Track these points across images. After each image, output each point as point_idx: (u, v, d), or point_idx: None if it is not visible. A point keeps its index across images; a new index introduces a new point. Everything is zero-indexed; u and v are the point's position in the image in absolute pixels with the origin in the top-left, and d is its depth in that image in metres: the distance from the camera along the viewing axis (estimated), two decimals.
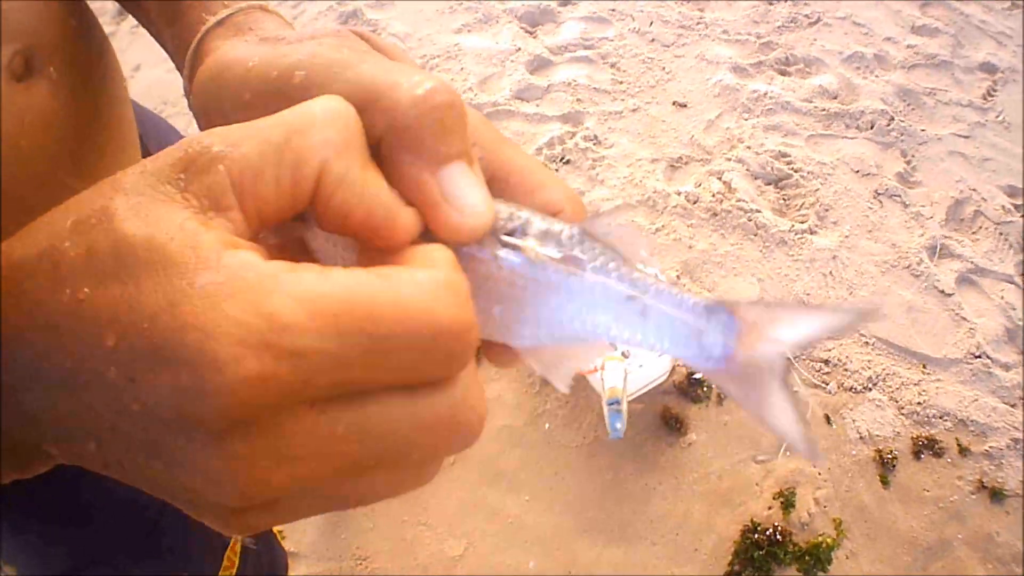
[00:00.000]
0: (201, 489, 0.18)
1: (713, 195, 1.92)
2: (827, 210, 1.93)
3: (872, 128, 2.08)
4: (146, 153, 0.53)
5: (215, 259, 0.18)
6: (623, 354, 1.43)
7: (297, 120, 0.21)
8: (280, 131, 0.21)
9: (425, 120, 0.22)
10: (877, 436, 1.61)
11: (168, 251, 0.18)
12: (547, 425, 1.62)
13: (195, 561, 0.59)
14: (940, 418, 1.64)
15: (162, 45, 0.36)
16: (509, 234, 0.24)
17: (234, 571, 0.57)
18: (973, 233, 1.92)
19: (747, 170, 1.98)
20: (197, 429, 0.18)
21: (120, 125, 0.46)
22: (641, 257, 0.24)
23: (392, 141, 0.23)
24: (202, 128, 0.27)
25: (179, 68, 0.34)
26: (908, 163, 2.04)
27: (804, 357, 1.70)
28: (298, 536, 1.52)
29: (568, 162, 2.00)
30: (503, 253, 0.23)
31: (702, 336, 0.24)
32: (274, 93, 0.24)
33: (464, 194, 0.23)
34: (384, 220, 0.22)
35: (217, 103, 0.26)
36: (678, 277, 1.80)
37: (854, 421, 1.63)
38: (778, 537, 1.48)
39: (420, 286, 0.19)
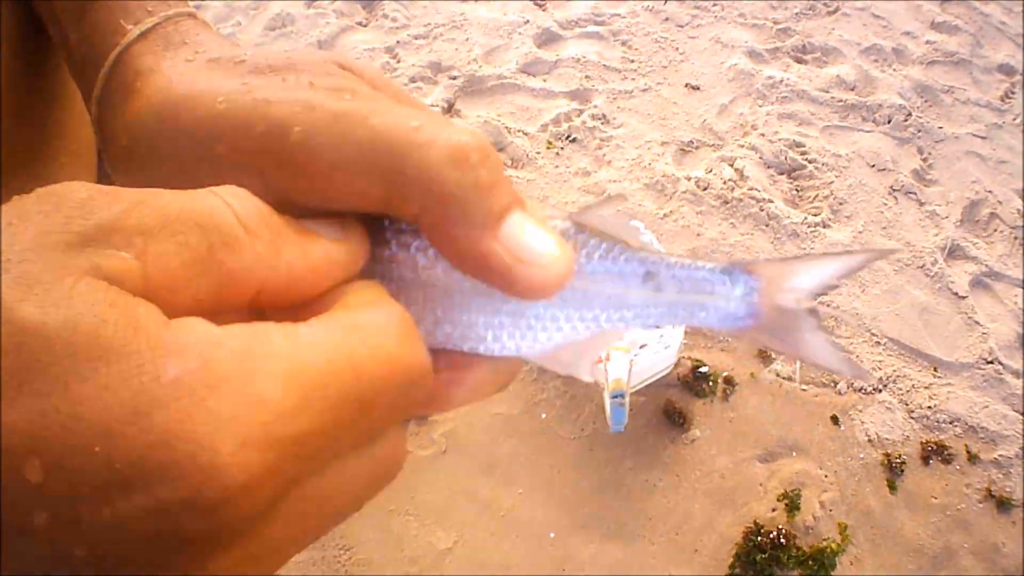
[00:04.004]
0: None
1: (724, 182, 1.85)
2: (841, 204, 1.86)
3: (889, 122, 2.02)
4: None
5: (172, 338, 0.15)
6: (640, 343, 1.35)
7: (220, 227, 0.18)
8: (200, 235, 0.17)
9: (467, 180, 0.20)
10: (886, 439, 1.56)
11: (105, 338, 0.14)
12: (543, 415, 1.54)
13: None
14: (950, 423, 1.59)
15: (64, 48, 0.29)
16: None
17: None
18: (988, 236, 1.87)
19: (760, 158, 1.91)
20: (177, 559, 0.15)
21: (76, 122, 0.39)
22: (641, 242, 0.24)
23: (438, 213, 0.20)
24: (129, 171, 0.23)
25: (80, 81, 0.27)
26: (924, 160, 1.98)
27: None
28: None
29: (574, 140, 1.91)
30: None
31: (724, 300, 0.24)
32: (261, 151, 0.21)
33: (535, 245, 0.21)
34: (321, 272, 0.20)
35: (172, 150, 0.22)
36: None
37: (863, 423, 1.57)
38: (781, 540, 1.42)
39: (385, 332, 0.18)
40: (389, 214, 0.22)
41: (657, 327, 0.24)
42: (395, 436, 0.20)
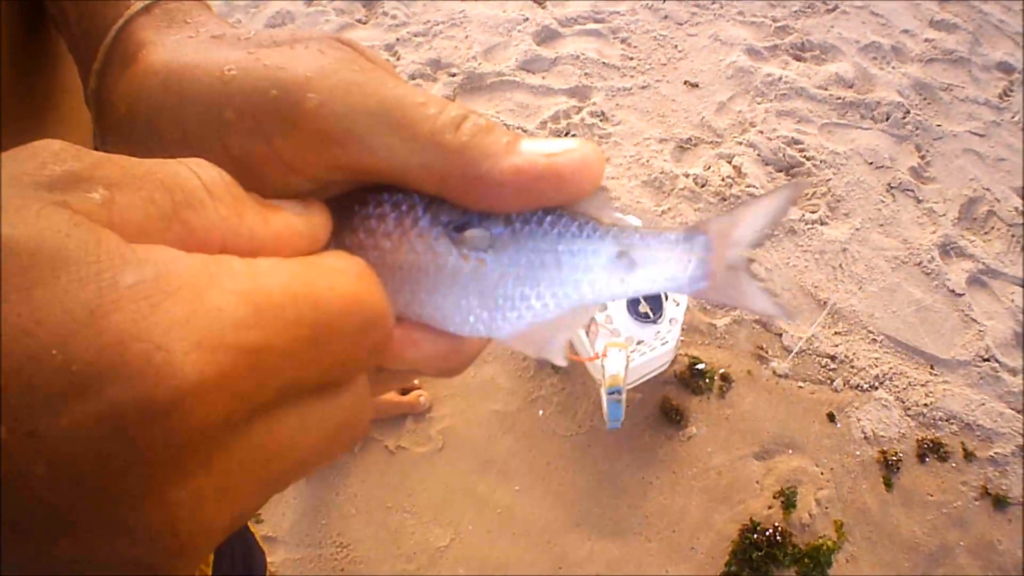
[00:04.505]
0: (126, 550, 0.15)
1: (722, 179, 1.85)
2: (839, 201, 1.86)
3: (887, 120, 2.01)
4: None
5: (131, 252, 0.15)
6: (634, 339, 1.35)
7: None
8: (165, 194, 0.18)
9: (476, 129, 0.21)
10: (882, 437, 1.56)
11: (68, 250, 0.14)
12: (541, 412, 1.55)
13: None
14: (946, 421, 1.59)
15: (63, 24, 0.29)
16: (460, 228, 0.23)
17: (210, 571, 0.49)
18: (985, 233, 1.87)
19: (758, 155, 1.91)
20: (136, 480, 0.14)
21: (68, 91, 0.38)
22: (611, 216, 0.24)
23: (460, 164, 0.21)
24: (128, 140, 0.23)
25: (78, 55, 0.27)
26: (922, 158, 1.98)
27: (811, 353, 1.64)
28: (276, 520, 1.43)
29: (574, 137, 1.91)
30: (466, 250, 0.23)
31: (687, 265, 0.25)
32: (273, 117, 0.21)
33: (555, 145, 0.21)
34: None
35: (175, 117, 0.22)
36: None
37: (859, 420, 1.58)
38: (778, 538, 1.42)
39: (345, 272, 0.19)
40: (395, 183, 0.22)
41: (627, 298, 0.25)
42: (361, 386, 0.20)
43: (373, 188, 0.23)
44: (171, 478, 0.15)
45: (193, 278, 0.16)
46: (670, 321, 1.38)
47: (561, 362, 0.24)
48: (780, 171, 1.91)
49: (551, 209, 0.23)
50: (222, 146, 0.21)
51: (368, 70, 0.22)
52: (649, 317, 1.37)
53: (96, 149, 0.24)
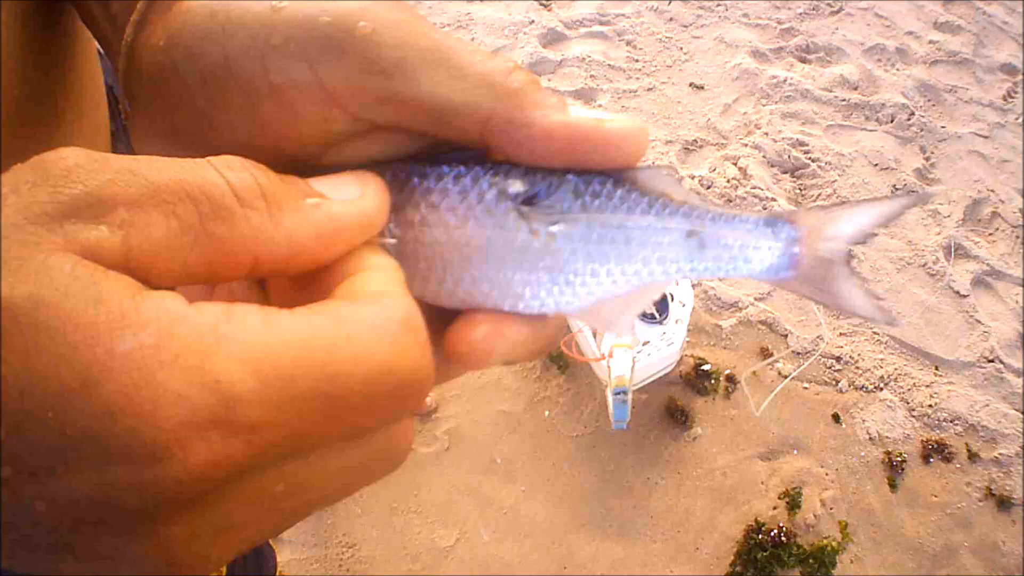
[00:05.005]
0: (126, 573, 0.15)
1: (728, 181, 1.85)
2: (844, 202, 1.87)
3: (892, 122, 2.02)
4: (113, 109, 0.44)
5: (132, 313, 0.15)
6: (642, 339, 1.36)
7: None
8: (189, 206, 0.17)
9: (529, 80, 0.21)
10: (887, 438, 1.57)
11: (65, 311, 0.14)
12: (547, 412, 1.55)
13: None
14: (951, 422, 1.59)
15: None
16: (528, 202, 0.22)
17: (223, 570, 0.50)
18: (990, 235, 1.87)
19: (763, 157, 1.91)
20: (126, 524, 0.15)
21: (85, 68, 0.38)
22: (682, 194, 0.24)
23: (512, 104, 0.21)
24: (160, 75, 0.22)
25: (107, 24, 0.27)
26: (927, 159, 1.98)
27: (816, 354, 1.65)
28: None
29: None
30: (535, 224, 0.22)
31: (767, 253, 0.24)
32: (322, 43, 0.20)
33: (603, 114, 0.21)
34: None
35: (219, 42, 0.21)
36: None
37: (864, 421, 1.58)
38: (782, 538, 1.43)
39: (379, 332, 0.17)
40: (435, 124, 0.21)
41: (699, 279, 0.26)
42: (395, 429, 0.19)
43: (428, 160, 0.23)
44: (166, 522, 0.15)
45: (196, 342, 0.15)
46: (676, 322, 1.39)
47: (627, 337, 0.24)
48: (785, 173, 1.91)
49: (620, 183, 0.23)
50: (264, 72, 0.20)
51: (420, 16, 0.22)
52: (655, 318, 1.38)
53: (118, 131, 0.24)
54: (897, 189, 1.91)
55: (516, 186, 0.22)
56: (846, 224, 0.25)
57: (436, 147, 0.23)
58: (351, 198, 0.20)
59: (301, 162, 0.22)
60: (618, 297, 0.24)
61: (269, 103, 0.20)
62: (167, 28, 0.22)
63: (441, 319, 0.22)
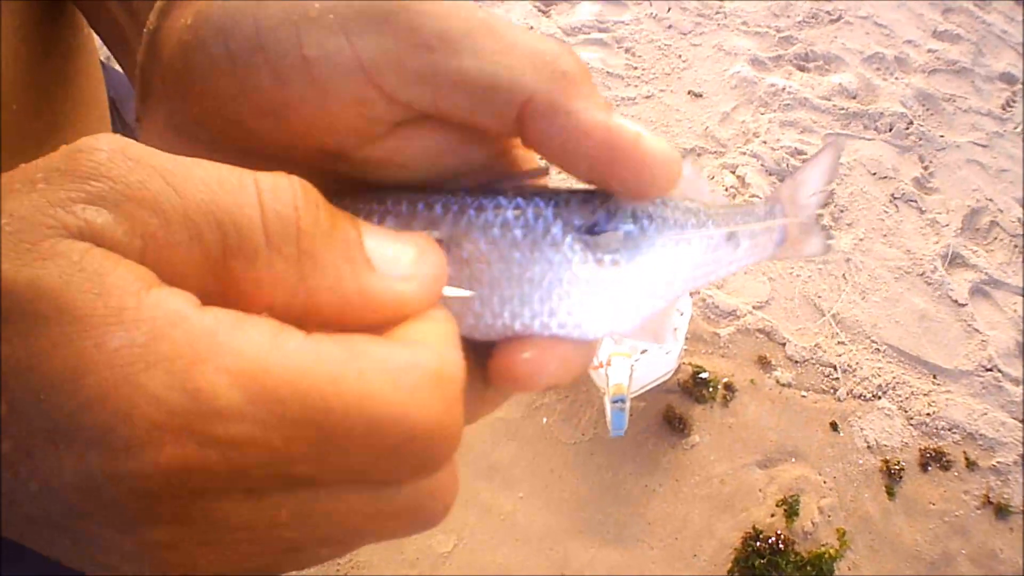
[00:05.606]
0: (118, 565, 0.16)
1: (726, 189, 1.86)
2: (842, 211, 1.87)
3: (891, 131, 2.03)
4: (115, 121, 0.44)
5: (132, 308, 0.15)
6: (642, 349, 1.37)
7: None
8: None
9: (580, 67, 0.20)
10: (885, 446, 1.57)
11: (64, 300, 0.14)
12: (544, 419, 1.55)
13: None
14: (949, 430, 1.60)
15: None
16: (590, 231, 0.22)
17: None
18: (988, 244, 1.87)
19: (762, 165, 1.92)
20: (107, 515, 0.15)
21: (87, 81, 0.38)
22: (707, 193, 0.25)
23: (560, 87, 0.20)
24: (186, 53, 0.21)
25: (127, 13, 0.26)
26: (925, 168, 1.99)
27: (814, 362, 1.65)
28: None
29: None
30: (600, 254, 0.22)
31: (775, 233, 0.27)
32: (361, 12, 0.19)
33: (644, 129, 0.20)
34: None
35: (252, 13, 0.20)
36: None
37: (862, 429, 1.58)
38: (780, 546, 1.43)
39: (394, 377, 0.16)
40: (475, 112, 0.20)
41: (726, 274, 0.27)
42: (426, 486, 0.17)
43: (481, 191, 0.22)
44: (145, 522, 0.15)
45: (188, 347, 0.15)
46: (674, 330, 1.39)
47: (668, 344, 0.25)
48: (783, 181, 1.92)
49: (664, 199, 0.23)
50: (297, 45, 0.19)
51: None
52: None
53: (136, 109, 0.23)
54: (895, 198, 1.91)
55: (579, 217, 0.22)
56: (808, 188, 0.28)
57: (460, 174, 0.22)
58: (399, 273, 0.18)
59: (333, 158, 0.21)
60: (663, 310, 0.24)
61: (300, 81, 0.19)
62: (195, 7, 0.21)
63: (476, 351, 0.21)
